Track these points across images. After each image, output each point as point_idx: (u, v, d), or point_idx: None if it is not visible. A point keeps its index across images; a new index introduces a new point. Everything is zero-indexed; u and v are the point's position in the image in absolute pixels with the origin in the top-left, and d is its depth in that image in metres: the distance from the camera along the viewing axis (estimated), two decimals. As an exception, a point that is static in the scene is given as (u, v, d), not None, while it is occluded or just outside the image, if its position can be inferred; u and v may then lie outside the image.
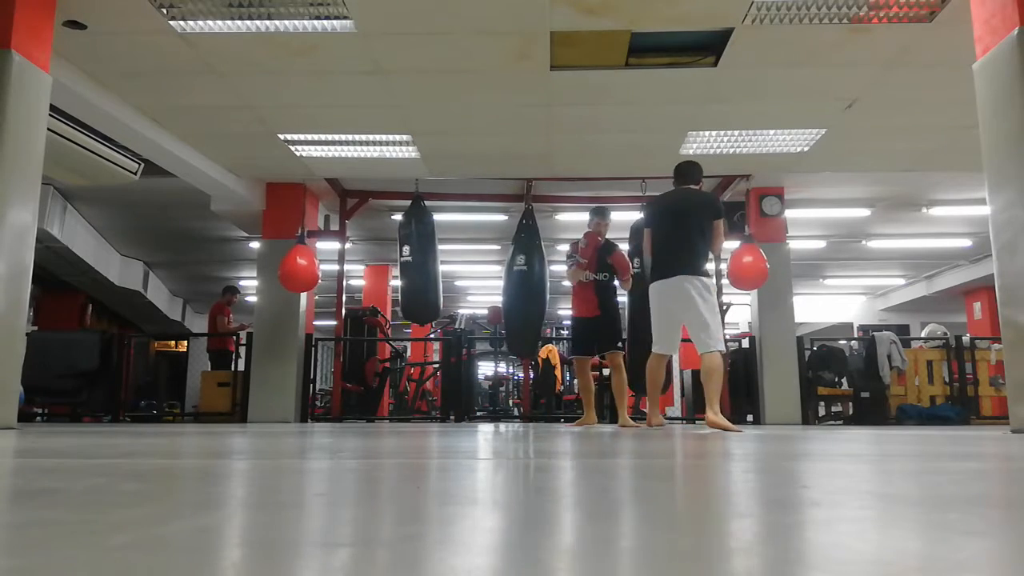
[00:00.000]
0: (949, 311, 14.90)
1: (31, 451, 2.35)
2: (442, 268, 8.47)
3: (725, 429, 4.65)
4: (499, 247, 11.67)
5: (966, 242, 11.42)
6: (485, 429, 5.13)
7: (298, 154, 7.59)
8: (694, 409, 9.34)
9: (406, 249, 8.05)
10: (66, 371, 8.30)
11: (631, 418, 6.09)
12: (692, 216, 4.99)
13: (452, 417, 8.65)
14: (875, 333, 8.93)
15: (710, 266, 5.12)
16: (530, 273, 7.83)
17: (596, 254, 5.99)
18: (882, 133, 7.01)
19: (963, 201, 9.47)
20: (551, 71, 5.74)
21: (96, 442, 2.90)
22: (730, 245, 8.44)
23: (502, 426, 6.04)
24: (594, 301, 5.99)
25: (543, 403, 10.04)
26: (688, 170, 5.22)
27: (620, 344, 6.07)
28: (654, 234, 5.14)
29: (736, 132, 7.01)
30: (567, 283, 6.25)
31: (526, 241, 7.96)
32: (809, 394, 8.55)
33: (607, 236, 6.15)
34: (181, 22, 5.01)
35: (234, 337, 9.53)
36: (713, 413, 4.73)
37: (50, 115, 4.67)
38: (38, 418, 8.67)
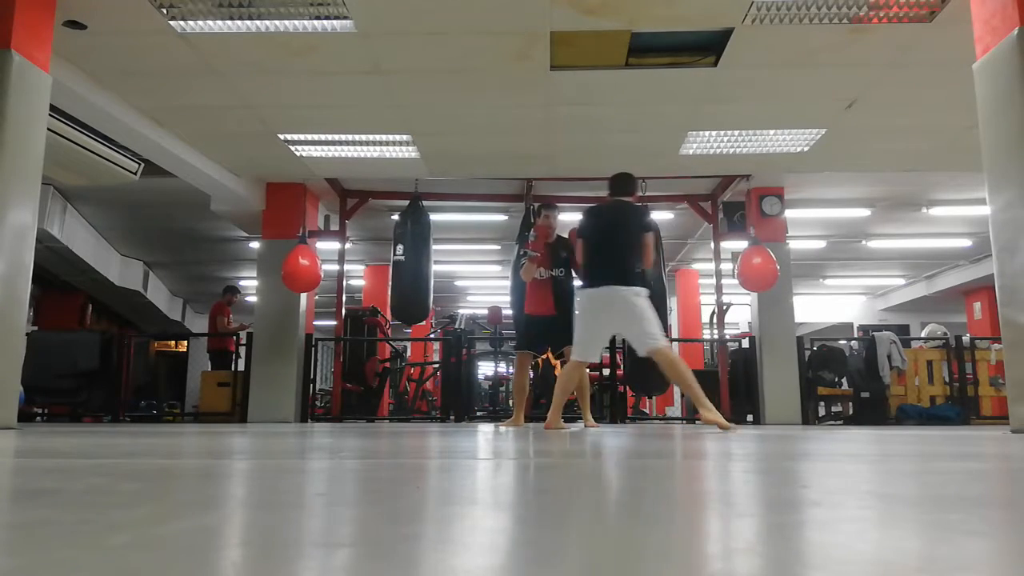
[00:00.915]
0: (949, 311, 14.91)
1: (31, 451, 2.35)
2: (442, 268, 8.48)
3: (721, 426, 4.66)
4: (499, 247, 11.67)
5: (966, 242, 11.43)
6: (485, 429, 5.13)
7: (298, 154, 7.59)
8: (694, 409, 9.34)
9: (399, 248, 8.07)
10: (66, 371, 8.30)
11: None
12: (622, 229, 4.99)
13: (452, 417, 8.65)
14: (875, 333, 8.93)
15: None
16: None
17: (548, 250, 5.80)
18: (882, 133, 7.01)
19: (963, 201, 9.47)
20: (551, 71, 5.74)
21: (96, 442, 2.90)
22: (737, 246, 8.43)
23: (502, 426, 6.04)
24: (550, 299, 5.80)
25: (543, 403, 10.04)
26: (623, 182, 5.20)
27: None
28: (585, 245, 5.10)
29: (736, 132, 7.01)
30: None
31: (530, 240, 7.96)
32: (809, 394, 8.54)
33: (556, 233, 5.94)
34: (181, 22, 5.01)
35: (234, 337, 9.53)
36: (706, 410, 4.71)
37: (50, 115, 4.67)
38: (38, 418, 8.67)
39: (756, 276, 7.79)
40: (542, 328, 5.86)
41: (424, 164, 7.83)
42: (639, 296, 4.82)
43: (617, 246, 4.96)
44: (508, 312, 8.95)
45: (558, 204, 6.18)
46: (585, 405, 5.88)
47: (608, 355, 8.91)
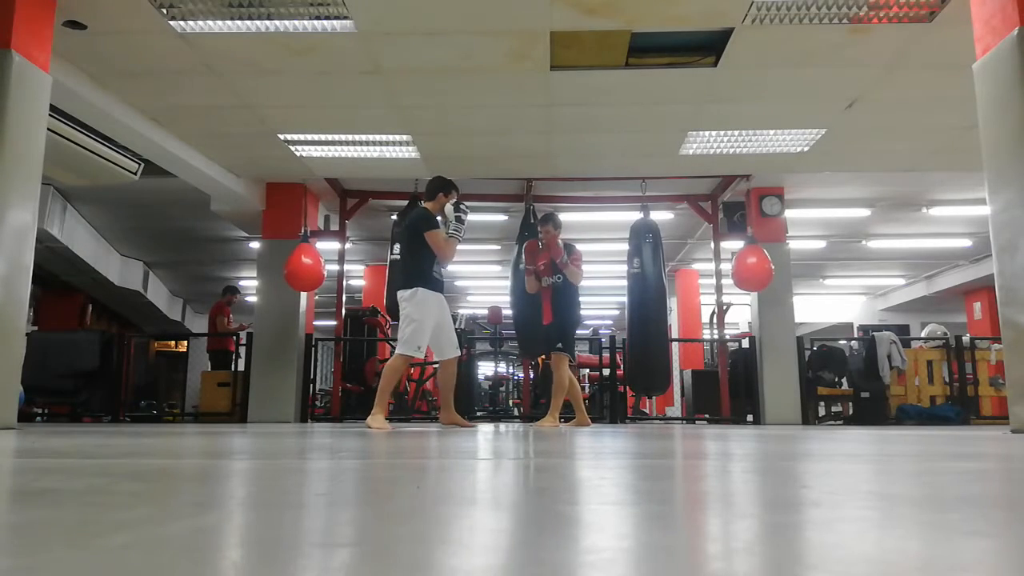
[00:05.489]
0: (949, 311, 14.90)
1: (31, 451, 2.35)
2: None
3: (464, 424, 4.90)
4: (499, 247, 11.67)
5: (966, 242, 11.42)
6: (485, 429, 5.13)
7: (298, 154, 7.58)
8: (694, 409, 9.34)
9: (396, 248, 8.08)
10: (66, 371, 8.29)
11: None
12: (404, 234, 5.34)
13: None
14: (875, 333, 8.92)
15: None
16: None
17: (548, 259, 5.84)
18: (882, 133, 7.01)
19: (963, 201, 9.47)
20: (551, 71, 5.73)
21: (96, 442, 2.90)
22: (737, 246, 8.44)
23: (502, 426, 6.04)
24: (548, 308, 5.87)
25: (543, 403, 10.03)
26: (427, 186, 5.42)
27: (559, 346, 5.81)
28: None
29: (736, 132, 7.01)
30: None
31: (529, 240, 7.96)
32: (809, 394, 8.54)
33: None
34: (181, 22, 5.00)
35: (234, 337, 9.53)
36: (447, 413, 5.26)
37: (50, 115, 4.67)
38: (38, 418, 8.66)
39: (751, 276, 7.81)
40: (543, 334, 5.95)
41: (424, 164, 7.83)
42: (407, 300, 5.13)
43: (403, 251, 5.36)
44: (508, 312, 8.95)
45: (555, 213, 6.08)
46: (563, 404, 5.88)
47: (608, 355, 8.91)
